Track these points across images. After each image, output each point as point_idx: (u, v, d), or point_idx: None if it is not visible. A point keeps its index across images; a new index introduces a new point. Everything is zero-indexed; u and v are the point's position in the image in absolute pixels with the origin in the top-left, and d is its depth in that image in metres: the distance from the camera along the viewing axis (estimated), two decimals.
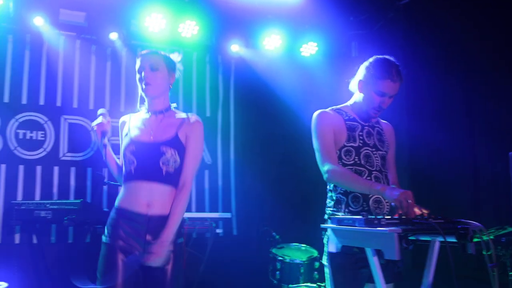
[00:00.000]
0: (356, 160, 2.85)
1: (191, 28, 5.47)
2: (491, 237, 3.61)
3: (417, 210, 2.69)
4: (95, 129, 2.80)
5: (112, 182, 4.85)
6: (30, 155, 5.06)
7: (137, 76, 2.79)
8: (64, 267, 4.92)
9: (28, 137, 5.07)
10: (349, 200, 2.82)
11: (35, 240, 4.83)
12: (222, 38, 5.75)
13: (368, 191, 2.70)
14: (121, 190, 2.77)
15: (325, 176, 2.83)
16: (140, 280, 2.69)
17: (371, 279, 2.71)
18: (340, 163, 2.84)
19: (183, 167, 2.74)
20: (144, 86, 2.75)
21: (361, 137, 2.91)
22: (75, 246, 5.00)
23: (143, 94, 2.81)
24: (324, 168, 2.82)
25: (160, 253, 2.58)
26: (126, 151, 2.73)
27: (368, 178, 2.82)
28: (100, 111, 2.88)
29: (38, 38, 5.14)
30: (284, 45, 5.92)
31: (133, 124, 2.84)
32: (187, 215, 4.67)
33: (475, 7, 4.74)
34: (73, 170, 5.21)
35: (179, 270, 2.71)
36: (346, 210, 2.81)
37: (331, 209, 2.89)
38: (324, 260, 2.85)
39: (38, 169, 5.08)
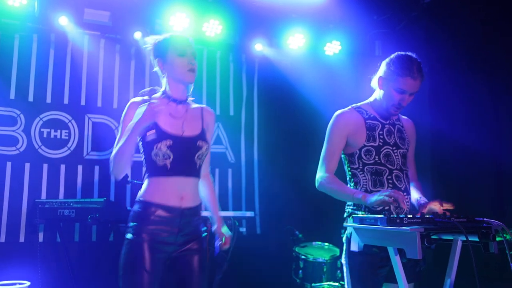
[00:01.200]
0: (377, 159, 2.82)
1: (214, 27, 5.49)
2: None
3: (438, 206, 2.68)
4: (152, 107, 2.54)
5: (136, 181, 4.88)
6: (54, 154, 5.12)
7: (172, 57, 2.66)
8: (87, 266, 4.97)
9: (52, 136, 5.13)
10: (362, 208, 2.78)
11: (58, 239, 4.86)
12: (245, 37, 5.76)
13: (352, 200, 2.76)
14: (148, 183, 2.63)
15: (316, 180, 2.89)
16: (166, 274, 2.63)
17: (389, 279, 2.68)
18: (361, 163, 2.83)
19: (206, 158, 2.80)
20: (188, 73, 2.66)
21: (381, 136, 2.86)
22: (98, 245, 5.03)
23: (179, 80, 2.70)
24: (317, 175, 2.89)
25: (228, 234, 2.82)
26: (160, 145, 2.59)
27: (389, 177, 2.79)
28: (150, 88, 2.75)
29: (62, 37, 5.20)
30: (307, 44, 5.89)
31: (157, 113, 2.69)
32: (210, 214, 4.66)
33: (498, 5, 4.66)
34: (96, 168, 5.26)
35: (205, 261, 2.70)
36: (366, 209, 2.77)
37: (351, 207, 2.86)
38: (343, 259, 2.84)
39: (62, 167, 5.13)
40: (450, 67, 5.12)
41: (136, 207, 2.61)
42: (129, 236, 2.56)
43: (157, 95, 2.76)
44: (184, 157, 2.62)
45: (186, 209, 2.61)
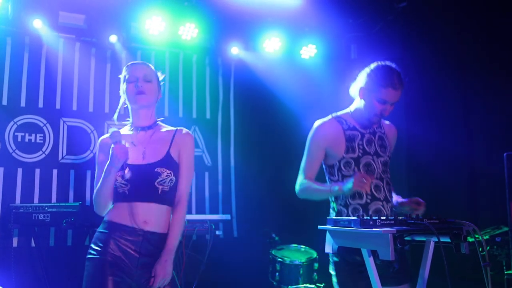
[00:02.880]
0: (356, 170, 2.85)
1: (191, 31, 5.49)
2: (487, 237, 3.63)
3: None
4: (118, 158, 2.51)
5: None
6: (29, 158, 5.06)
7: (125, 86, 2.70)
8: (63, 271, 4.92)
9: (27, 139, 5.07)
10: (349, 211, 2.84)
11: (33, 244, 4.80)
12: (222, 40, 5.76)
13: (330, 195, 2.84)
14: (113, 207, 2.62)
15: (296, 189, 2.95)
16: None
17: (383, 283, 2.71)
18: (340, 175, 2.87)
19: (178, 184, 2.69)
20: (136, 96, 2.65)
21: (361, 146, 2.90)
22: (74, 249, 4.99)
23: (132, 106, 2.70)
24: (297, 181, 2.95)
25: (164, 274, 2.53)
26: (117, 177, 2.57)
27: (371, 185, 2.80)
28: (113, 130, 2.58)
29: (37, 40, 5.14)
30: (283, 48, 5.92)
31: None
32: (187, 217, 4.66)
33: (472, 10, 4.76)
34: (72, 172, 5.21)
35: (175, 283, 2.64)
36: (347, 215, 2.84)
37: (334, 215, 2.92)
38: (331, 269, 2.88)
39: (37, 172, 5.08)
40: (424, 70, 5.21)
41: (100, 228, 2.60)
42: (91, 257, 2.52)
43: (126, 127, 2.76)
44: (141, 183, 2.58)
45: (149, 233, 2.56)
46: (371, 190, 2.82)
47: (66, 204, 4.47)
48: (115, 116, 2.85)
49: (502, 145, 4.30)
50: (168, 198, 2.64)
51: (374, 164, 2.89)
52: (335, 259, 2.81)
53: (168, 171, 2.63)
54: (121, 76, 2.74)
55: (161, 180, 2.61)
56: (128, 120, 2.78)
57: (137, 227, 2.54)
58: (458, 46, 5.04)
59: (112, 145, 2.52)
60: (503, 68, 4.57)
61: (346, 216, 2.82)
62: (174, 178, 2.64)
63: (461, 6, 4.87)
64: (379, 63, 2.87)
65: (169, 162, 2.66)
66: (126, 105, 2.76)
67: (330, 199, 2.95)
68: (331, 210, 2.96)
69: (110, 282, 2.45)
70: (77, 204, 4.40)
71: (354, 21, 5.88)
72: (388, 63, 2.86)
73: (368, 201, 2.82)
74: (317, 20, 5.81)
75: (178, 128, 2.78)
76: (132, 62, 2.76)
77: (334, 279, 2.83)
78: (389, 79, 2.77)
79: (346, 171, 2.86)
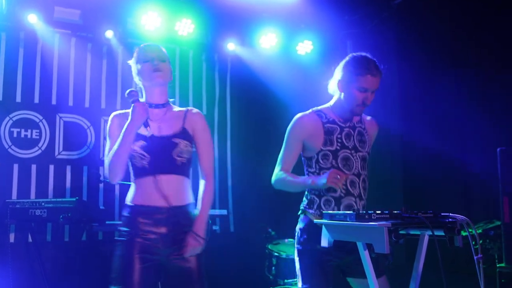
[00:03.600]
0: (334, 163, 2.90)
1: (187, 27, 5.50)
2: (480, 230, 3.67)
3: None
4: (138, 106, 2.61)
5: (108, 180, 4.85)
6: (25, 153, 5.06)
7: (139, 66, 2.78)
8: (60, 266, 4.94)
9: (22, 135, 5.07)
10: (321, 202, 2.90)
11: (30, 239, 4.81)
12: (218, 36, 5.78)
13: (304, 188, 2.92)
14: (133, 187, 2.73)
15: (272, 180, 3.02)
16: (161, 279, 2.73)
17: (353, 274, 2.77)
18: (318, 167, 2.92)
19: (201, 160, 2.82)
20: (154, 73, 2.74)
21: (339, 140, 2.93)
22: (71, 245, 5.00)
23: (149, 84, 2.78)
24: (274, 172, 3.01)
25: (195, 244, 2.64)
26: (135, 147, 2.67)
27: (344, 183, 2.84)
28: (130, 89, 2.70)
29: (32, 35, 5.12)
30: (280, 44, 5.95)
31: None
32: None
33: (466, 8, 4.80)
34: (68, 168, 5.22)
35: (203, 265, 2.75)
36: (318, 211, 2.89)
37: (304, 205, 2.98)
38: (295, 256, 2.96)
39: (33, 167, 5.08)
40: (418, 67, 5.25)
41: (125, 212, 2.71)
42: (120, 239, 2.65)
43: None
44: (161, 155, 2.67)
45: (172, 208, 2.66)
46: (346, 185, 2.86)
47: (63, 199, 4.48)
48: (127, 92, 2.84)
49: (494, 141, 4.35)
50: (186, 169, 2.75)
51: (352, 159, 2.92)
52: (298, 246, 2.90)
53: (186, 142, 2.74)
54: (132, 60, 2.84)
55: (180, 151, 2.71)
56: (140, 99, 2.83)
57: (160, 205, 2.64)
58: (452, 43, 5.09)
59: (132, 104, 2.61)
60: (496, 66, 4.62)
61: (317, 206, 2.89)
62: (191, 149, 2.76)
63: (455, 4, 4.91)
64: (354, 54, 2.92)
65: (185, 134, 2.77)
66: (139, 87, 2.85)
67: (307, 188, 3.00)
68: (304, 198, 3.01)
69: (138, 267, 2.58)
70: (74, 199, 4.40)
71: (349, 17, 5.92)
72: (363, 53, 2.91)
73: (342, 195, 2.85)
74: (313, 17, 5.83)
75: (188, 108, 2.91)
76: (144, 44, 2.86)
77: (297, 265, 2.91)
78: (366, 67, 2.81)
79: (324, 164, 2.90)
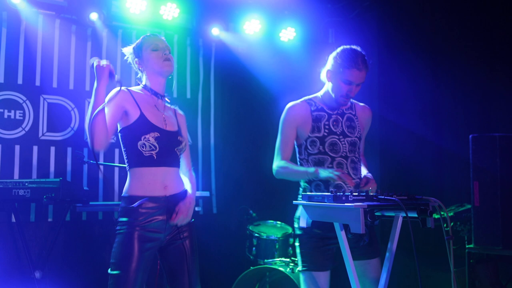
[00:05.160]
0: (321, 149, 3.04)
1: (172, 11, 5.52)
2: (451, 213, 3.83)
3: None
4: (102, 65, 2.70)
5: (92, 161, 4.91)
6: (9, 134, 5.07)
7: (146, 54, 2.86)
8: (43, 246, 4.98)
9: (6, 116, 5.06)
10: (312, 187, 3.04)
11: (13, 219, 4.83)
12: (202, 21, 5.81)
13: (307, 177, 2.99)
14: (132, 176, 2.80)
15: (273, 169, 3.14)
16: (159, 259, 2.88)
17: (354, 257, 2.88)
18: (306, 153, 3.07)
19: (185, 155, 3.03)
20: (165, 62, 2.85)
21: (326, 126, 3.07)
22: (55, 225, 5.03)
23: (158, 72, 2.88)
24: (273, 164, 3.14)
25: (186, 212, 2.80)
26: (149, 137, 2.75)
27: (330, 165, 3.02)
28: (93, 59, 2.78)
29: (15, 16, 5.09)
30: (263, 30, 6.01)
31: (142, 104, 2.83)
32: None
33: None
34: (52, 149, 5.24)
35: (196, 245, 2.92)
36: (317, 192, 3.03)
37: (300, 193, 3.12)
38: (296, 242, 3.08)
39: (17, 148, 5.09)
40: (398, 55, 5.36)
41: (123, 203, 2.78)
42: (120, 230, 2.72)
43: (138, 87, 2.94)
44: (168, 149, 2.81)
45: (170, 196, 2.80)
46: (333, 167, 3.01)
47: (47, 180, 4.47)
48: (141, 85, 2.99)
49: (468, 127, 4.51)
50: (180, 162, 2.96)
51: (339, 144, 3.06)
52: (299, 232, 3.03)
53: (185, 141, 2.97)
54: (130, 48, 2.96)
55: (180, 148, 2.90)
56: (139, 84, 2.97)
57: (159, 194, 2.77)
58: (431, 32, 5.21)
59: (95, 63, 2.73)
60: (473, 54, 4.76)
61: (309, 191, 3.02)
62: (186, 148, 3.01)
63: None
64: (345, 46, 3.04)
65: (181, 133, 2.98)
66: (139, 75, 2.99)
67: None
68: (300, 187, 3.16)
69: (137, 255, 2.67)
70: (58, 180, 4.39)
71: (332, 6, 6.00)
72: (353, 46, 3.03)
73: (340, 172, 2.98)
74: (296, 4, 5.91)
75: (176, 107, 3.12)
76: (150, 33, 2.97)
77: (298, 250, 3.04)
78: (353, 60, 2.94)
79: (312, 150, 3.05)
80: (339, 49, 3.04)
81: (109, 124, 2.68)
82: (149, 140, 2.76)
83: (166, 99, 2.99)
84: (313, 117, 3.08)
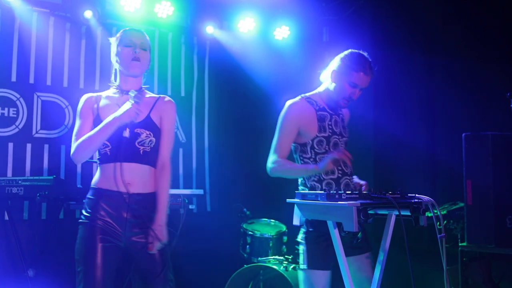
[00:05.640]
0: (327, 149, 3.04)
1: (166, 9, 5.52)
2: (444, 212, 3.85)
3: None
4: (135, 108, 2.65)
5: (88, 159, 4.90)
6: (2, 132, 5.04)
7: (119, 49, 2.78)
8: (37, 244, 4.96)
9: None
10: (323, 186, 3.01)
11: (6, 217, 4.81)
12: (197, 19, 5.80)
13: (306, 173, 2.99)
14: (98, 171, 2.79)
15: (268, 167, 3.06)
16: (123, 261, 2.76)
17: (349, 253, 2.88)
18: (313, 152, 3.03)
19: (160, 148, 2.82)
20: (132, 62, 2.75)
21: (330, 127, 3.08)
22: (48, 223, 5.01)
23: (124, 71, 2.79)
24: (269, 161, 3.07)
25: (162, 238, 2.70)
26: None
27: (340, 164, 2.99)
28: (135, 93, 2.72)
29: (9, 13, 5.06)
30: (257, 28, 6.02)
31: (104, 105, 2.81)
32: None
33: None
34: (46, 147, 5.23)
35: (167, 248, 2.81)
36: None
37: (302, 188, 3.09)
38: (300, 238, 3.04)
39: (10, 146, 5.06)
40: (392, 55, 5.37)
41: (88, 194, 2.76)
42: (82, 221, 2.71)
43: (111, 89, 2.88)
44: (123, 145, 2.69)
45: (134, 194, 2.70)
46: (341, 166, 3.01)
47: (40, 177, 4.46)
48: (112, 79, 2.91)
49: (461, 126, 4.53)
50: (150, 158, 2.78)
51: (340, 144, 3.09)
52: (304, 229, 3.01)
53: (148, 132, 2.76)
54: (114, 39, 2.84)
55: (141, 141, 2.74)
56: (113, 83, 2.89)
57: (122, 190, 2.68)
58: (425, 31, 5.23)
59: (132, 102, 2.65)
60: (467, 53, 4.78)
61: (320, 190, 2.99)
62: (154, 139, 2.78)
63: None
64: (353, 50, 3.06)
65: (148, 124, 2.79)
66: (115, 69, 2.87)
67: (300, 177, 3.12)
68: (301, 186, 3.11)
69: (99, 246, 2.63)
70: (51, 177, 4.38)
71: (327, 4, 6.01)
72: (361, 51, 3.05)
73: (340, 175, 3.01)
74: (290, 2, 5.92)
75: (161, 95, 2.94)
76: (130, 27, 2.88)
77: (303, 247, 2.99)
78: (362, 64, 2.97)
79: (319, 149, 3.03)
80: (347, 52, 3.05)
81: (86, 132, 2.71)
82: None
83: (144, 87, 2.89)
84: (318, 116, 3.06)
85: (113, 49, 2.85)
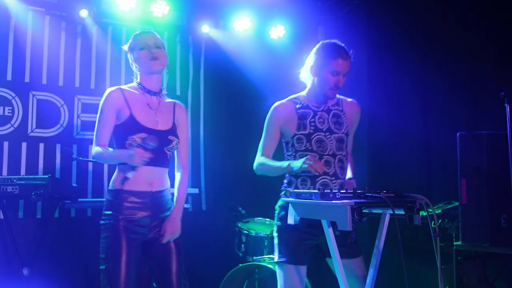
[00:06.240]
0: (308, 146, 3.08)
1: (162, 8, 5.51)
2: (439, 211, 3.86)
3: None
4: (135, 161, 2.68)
5: (81, 158, 4.91)
6: None
7: (136, 54, 2.87)
8: (32, 243, 4.95)
9: None
10: (298, 182, 3.08)
11: (1, 216, 4.79)
12: (192, 18, 5.79)
13: (282, 171, 3.07)
14: (119, 172, 2.86)
15: (254, 166, 3.21)
16: (145, 256, 2.92)
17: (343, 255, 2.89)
18: (293, 150, 3.11)
19: (180, 153, 3.03)
20: (151, 62, 2.83)
21: (312, 124, 3.10)
22: (43, 222, 5.01)
23: (146, 71, 2.87)
24: (255, 160, 3.21)
25: (173, 230, 2.88)
26: (135, 137, 2.78)
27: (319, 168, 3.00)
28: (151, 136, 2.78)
29: (4, 12, 5.04)
30: (253, 27, 6.01)
31: (133, 104, 2.87)
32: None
33: None
34: (41, 146, 5.21)
35: (182, 241, 2.98)
36: (296, 187, 3.08)
37: (284, 185, 3.17)
38: (274, 231, 3.13)
39: (5, 144, 5.04)
40: (388, 52, 5.39)
41: (109, 197, 2.83)
42: (105, 222, 2.78)
43: (133, 84, 2.96)
44: (155, 149, 2.77)
45: (156, 192, 2.85)
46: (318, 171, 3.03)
47: (35, 176, 4.45)
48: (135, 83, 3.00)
49: (455, 125, 4.55)
50: (169, 161, 2.97)
51: (326, 141, 3.09)
52: (278, 223, 3.09)
53: (177, 140, 2.93)
54: (126, 46, 2.95)
55: (170, 147, 2.89)
56: (134, 81, 2.98)
57: (144, 190, 2.81)
58: (421, 30, 5.23)
59: (137, 149, 2.67)
60: (462, 50, 4.79)
61: (295, 186, 3.06)
62: (177, 146, 2.95)
63: None
64: (324, 41, 3.13)
65: (175, 131, 2.96)
66: (135, 73, 2.98)
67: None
68: (285, 179, 3.19)
69: (124, 242, 2.73)
70: (46, 176, 4.37)
71: (322, 3, 6.01)
72: (333, 40, 3.12)
73: (317, 173, 3.01)
74: (286, 1, 5.92)
75: (176, 101, 3.07)
76: (140, 31, 2.97)
77: (276, 240, 3.09)
78: (337, 51, 3.02)
79: (299, 147, 3.09)
80: (318, 45, 3.12)
81: (108, 128, 2.83)
82: (135, 141, 2.78)
83: (162, 93, 3.00)
84: (298, 114, 3.10)
85: (130, 57, 2.94)
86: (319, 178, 3.03)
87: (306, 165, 2.81)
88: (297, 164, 2.89)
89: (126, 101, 2.85)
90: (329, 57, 3.00)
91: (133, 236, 2.77)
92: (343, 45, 3.07)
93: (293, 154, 3.11)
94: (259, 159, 3.17)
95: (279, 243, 3.06)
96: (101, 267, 2.72)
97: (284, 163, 3.01)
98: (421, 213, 2.61)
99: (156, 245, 2.88)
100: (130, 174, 2.74)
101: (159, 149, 2.81)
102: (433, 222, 2.58)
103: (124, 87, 2.95)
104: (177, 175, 3.05)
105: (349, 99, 3.31)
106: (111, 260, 2.70)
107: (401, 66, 5.28)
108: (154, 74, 2.91)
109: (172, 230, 2.88)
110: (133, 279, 2.72)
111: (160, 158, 2.85)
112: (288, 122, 3.11)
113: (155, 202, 2.85)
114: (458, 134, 3.52)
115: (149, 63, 2.84)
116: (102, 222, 2.81)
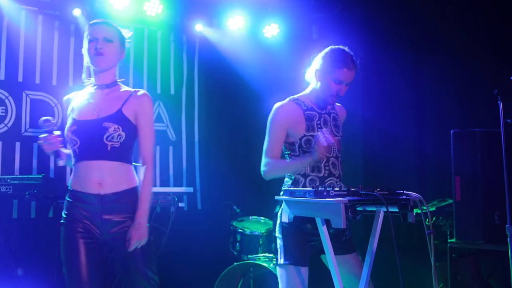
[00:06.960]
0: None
1: (155, 7, 5.50)
2: (433, 208, 3.88)
3: None
4: (45, 149, 2.71)
5: None
6: None
7: (86, 45, 2.74)
8: (26, 243, 4.94)
9: None
10: (306, 181, 3.01)
11: None
12: (186, 17, 5.80)
13: (301, 166, 2.98)
14: (72, 171, 2.75)
15: (261, 171, 3.05)
16: (105, 260, 2.79)
17: (337, 251, 2.89)
18: (301, 151, 3.03)
19: (140, 145, 2.75)
20: (95, 57, 2.68)
21: (319, 126, 3.08)
22: (37, 221, 5.00)
23: (92, 66, 2.76)
24: (262, 164, 3.05)
25: (139, 237, 2.63)
26: (68, 132, 2.68)
27: (326, 164, 3.02)
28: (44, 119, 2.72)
29: None
30: (247, 26, 6.01)
31: (77, 102, 2.79)
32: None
33: None
34: (35, 146, 5.19)
35: (149, 243, 2.75)
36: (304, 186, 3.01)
37: (288, 186, 3.08)
38: (277, 232, 3.03)
39: None
40: (382, 51, 5.40)
41: (66, 196, 2.73)
42: (63, 222, 2.70)
43: (90, 85, 2.87)
44: (90, 141, 2.63)
45: (107, 195, 2.64)
46: (329, 166, 3.02)
47: (29, 176, 4.44)
48: (83, 76, 2.91)
49: (449, 123, 4.56)
50: (121, 154, 2.68)
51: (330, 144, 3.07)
52: (284, 225, 2.97)
53: (116, 126, 2.65)
54: (84, 35, 2.79)
55: (109, 135, 2.63)
56: (87, 80, 2.88)
57: (92, 192, 2.63)
58: (414, 28, 5.26)
59: (46, 134, 2.67)
60: (455, 50, 4.81)
61: (303, 185, 3.00)
62: (123, 133, 2.67)
63: None
64: (333, 46, 3.05)
65: (118, 117, 2.68)
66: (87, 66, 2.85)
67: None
68: (286, 179, 3.11)
69: (81, 245, 2.61)
70: (40, 176, 4.36)
71: (316, 2, 6.02)
72: (342, 46, 3.05)
73: (326, 175, 3.01)
74: (280, 0, 5.92)
75: (137, 89, 2.83)
76: (95, 21, 2.78)
77: (280, 242, 2.98)
78: (343, 60, 2.96)
79: (306, 148, 3.02)
80: (327, 49, 3.05)
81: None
82: (68, 136, 2.69)
83: (119, 81, 2.84)
84: (305, 116, 3.06)
85: (83, 45, 2.81)
86: (327, 179, 3.02)
87: (320, 148, 2.77)
88: (314, 154, 2.82)
89: (74, 100, 2.80)
90: (335, 66, 2.96)
91: (89, 240, 2.64)
92: (351, 53, 3.02)
93: (301, 155, 3.03)
94: (267, 162, 3.02)
95: (284, 246, 2.98)
96: (63, 271, 2.64)
97: (303, 158, 2.93)
98: (415, 210, 2.61)
99: (119, 248, 2.68)
100: (60, 162, 2.70)
101: (96, 140, 2.62)
102: (427, 220, 2.58)
103: (81, 90, 2.88)
104: (140, 171, 2.75)
105: (338, 104, 3.30)
106: (69, 263, 2.61)
107: (394, 64, 5.29)
108: (99, 70, 2.75)
109: (138, 237, 2.62)
110: (93, 281, 2.59)
111: (98, 150, 2.62)
112: (296, 123, 3.04)
113: (110, 205, 2.65)
114: (451, 131, 3.54)
115: (93, 58, 2.70)
116: (60, 222, 2.72)
